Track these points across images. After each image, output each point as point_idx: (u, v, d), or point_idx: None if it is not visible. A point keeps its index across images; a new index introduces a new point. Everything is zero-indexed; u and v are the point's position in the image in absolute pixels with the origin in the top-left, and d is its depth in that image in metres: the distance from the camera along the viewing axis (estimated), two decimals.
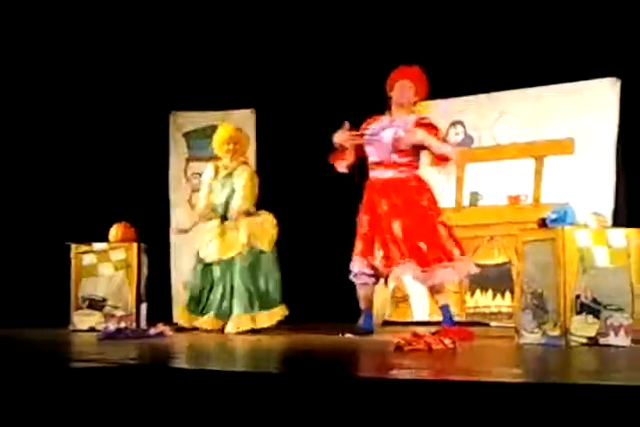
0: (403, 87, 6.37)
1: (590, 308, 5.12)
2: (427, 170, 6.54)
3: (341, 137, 6.40)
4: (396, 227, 6.22)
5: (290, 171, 8.14)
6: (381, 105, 6.49)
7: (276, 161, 8.15)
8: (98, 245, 7.03)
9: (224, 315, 6.86)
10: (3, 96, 8.24)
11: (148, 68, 8.38)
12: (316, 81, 8.03)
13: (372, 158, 6.41)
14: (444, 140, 6.55)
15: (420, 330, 5.50)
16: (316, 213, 8.03)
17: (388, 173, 6.33)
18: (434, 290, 6.33)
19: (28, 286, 7.91)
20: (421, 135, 6.21)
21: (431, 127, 6.34)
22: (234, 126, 7.30)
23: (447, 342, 4.89)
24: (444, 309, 6.29)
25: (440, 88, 6.78)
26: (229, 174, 7.10)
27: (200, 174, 8.34)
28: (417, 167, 6.41)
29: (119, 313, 6.87)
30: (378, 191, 6.36)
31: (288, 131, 8.25)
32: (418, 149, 6.33)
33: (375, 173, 6.41)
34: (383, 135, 6.34)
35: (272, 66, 8.24)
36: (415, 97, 6.42)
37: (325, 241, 7.81)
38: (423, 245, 6.17)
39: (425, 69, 6.40)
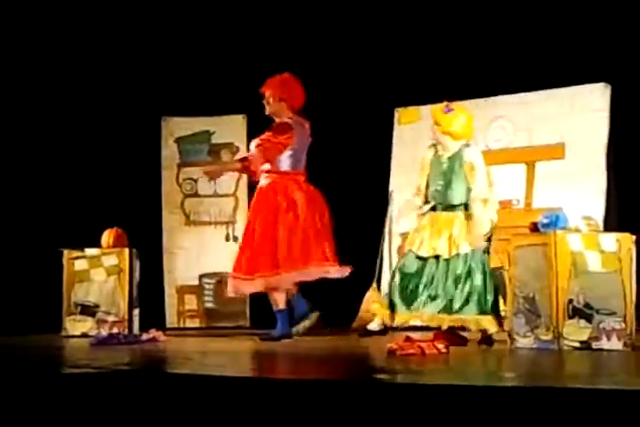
0: (266, 102, 6.63)
1: (583, 312, 5.14)
2: None
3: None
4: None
5: None
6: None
7: None
8: (90, 251, 7.02)
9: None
10: None
11: (140, 73, 8.37)
12: (312, 87, 8.02)
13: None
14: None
15: (415, 335, 5.50)
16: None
17: (263, 181, 6.49)
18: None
19: (20, 292, 7.87)
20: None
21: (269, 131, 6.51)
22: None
23: (440, 346, 4.91)
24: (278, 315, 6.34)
25: (434, 92, 6.77)
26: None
27: (192, 179, 8.35)
28: (278, 172, 6.46)
29: (111, 319, 6.86)
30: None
31: None
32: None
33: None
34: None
35: (263, 71, 8.23)
36: (280, 103, 6.59)
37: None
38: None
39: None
